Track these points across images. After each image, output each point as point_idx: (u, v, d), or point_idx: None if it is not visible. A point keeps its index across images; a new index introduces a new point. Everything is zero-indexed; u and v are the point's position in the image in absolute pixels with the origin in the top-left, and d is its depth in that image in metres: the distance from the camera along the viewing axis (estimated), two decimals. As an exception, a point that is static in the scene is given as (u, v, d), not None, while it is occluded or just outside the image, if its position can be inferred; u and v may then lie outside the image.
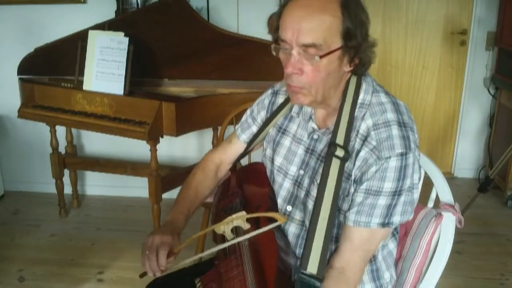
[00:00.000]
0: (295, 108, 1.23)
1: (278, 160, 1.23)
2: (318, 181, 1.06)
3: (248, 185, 1.30)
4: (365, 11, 1.05)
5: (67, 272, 2.40)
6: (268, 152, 1.28)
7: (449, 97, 3.48)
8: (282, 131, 1.25)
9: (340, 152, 1.03)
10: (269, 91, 1.33)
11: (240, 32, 2.82)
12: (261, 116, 1.31)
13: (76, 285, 2.30)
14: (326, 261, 1.00)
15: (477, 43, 3.28)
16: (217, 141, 2.82)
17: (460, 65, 3.39)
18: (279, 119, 1.26)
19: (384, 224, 1.03)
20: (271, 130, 1.28)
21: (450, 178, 3.51)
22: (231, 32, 2.55)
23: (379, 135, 1.02)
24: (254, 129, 1.32)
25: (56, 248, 2.65)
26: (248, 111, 1.36)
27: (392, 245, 1.21)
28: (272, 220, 1.09)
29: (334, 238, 1.12)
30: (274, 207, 1.21)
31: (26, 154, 3.29)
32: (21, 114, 2.64)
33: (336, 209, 1.02)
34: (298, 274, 0.97)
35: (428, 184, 1.35)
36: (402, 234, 1.29)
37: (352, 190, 1.06)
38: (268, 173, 1.29)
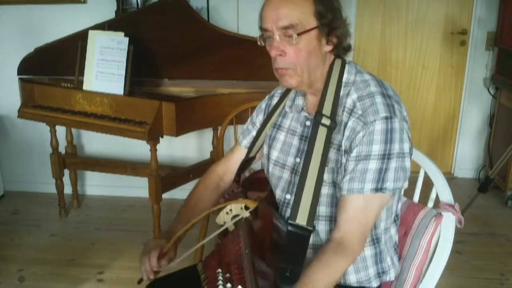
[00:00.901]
0: (289, 103, 1.28)
1: (274, 154, 1.27)
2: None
3: (251, 192, 1.32)
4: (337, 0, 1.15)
5: (67, 272, 2.40)
6: (265, 150, 1.31)
7: (449, 97, 3.48)
8: (277, 127, 1.29)
9: (326, 121, 1.10)
10: (266, 96, 1.39)
11: (240, 32, 2.82)
12: (260, 119, 1.36)
13: (76, 285, 2.30)
14: (315, 216, 1.05)
15: (477, 43, 3.28)
16: (217, 141, 2.82)
17: (460, 65, 3.39)
18: (275, 118, 1.31)
19: (377, 189, 1.05)
20: (268, 130, 1.31)
21: (450, 178, 3.51)
22: (231, 32, 2.55)
23: (364, 105, 1.09)
24: (254, 133, 1.36)
25: (56, 248, 2.65)
26: (248, 120, 1.42)
27: (393, 230, 1.23)
28: (272, 204, 1.14)
29: (334, 218, 1.14)
30: (273, 198, 1.24)
31: (26, 154, 3.30)
32: (21, 114, 2.64)
33: (323, 170, 1.08)
34: (287, 225, 1.03)
35: (428, 184, 1.36)
36: (402, 234, 1.29)
37: (344, 161, 1.10)
38: (265, 171, 1.32)
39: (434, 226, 1.22)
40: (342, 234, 1.06)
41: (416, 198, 1.40)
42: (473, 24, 3.27)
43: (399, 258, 1.28)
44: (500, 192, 3.16)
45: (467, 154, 3.51)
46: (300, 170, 1.10)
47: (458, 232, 1.22)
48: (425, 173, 1.37)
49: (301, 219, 1.03)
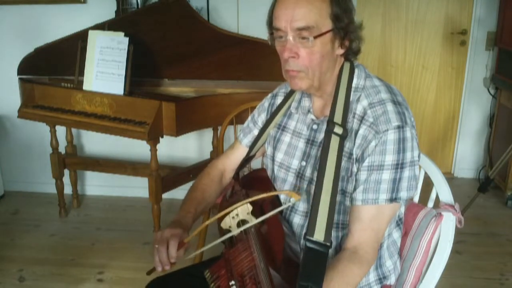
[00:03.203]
0: (294, 104, 1.26)
1: (279, 156, 1.25)
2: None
3: (253, 191, 1.31)
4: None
5: (67, 272, 2.40)
6: (269, 151, 1.30)
7: (449, 97, 3.48)
8: (282, 128, 1.28)
9: (338, 130, 1.07)
10: (269, 95, 1.36)
11: (240, 32, 2.82)
12: (262, 118, 1.34)
13: (76, 285, 2.30)
14: (332, 230, 1.02)
15: (477, 43, 3.28)
16: (217, 141, 2.82)
17: (460, 65, 3.39)
18: (279, 118, 1.29)
19: (392, 200, 1.05)
20: (272, 130, 1.30)
21: (450, 178, 3.51)
22: (231, 32, 2.55)
23: (375, 112, 1.07)
24: (255, 132, 1.34)
25: (56, 248, 2.65)
26: (249, 117, 1.39)
27: (396, 235, 1.23)
28: (277, 207, 1.11)
29: (341, 225, 1.13)
30: (277, 201, 1.22)
31: (26, 154, 3.30)
32: (21, 114, 2.64)
33: (338, 181, 1.04)
34: (305, 241, 0.99)
35: (428, 184, 1.35)
36: (402, 234, 1.29)
37: (355, 169, 1.08)
38: (269, 173, 1.30)
39: (434, 226, 1.22)
40: (356, 244, 1.05)
41: (416, 198, 1.40)
42: (473, 24, 3.27)
43: (399, 258, 1.28)
44: (500, 192, 3.16)
45: (467, 154, 3.51)
46: (316, 179, 1.06)
47: (458, 232, 1.22)
48: (425, 173, 1.37)
49: (319, 235, 0.99)
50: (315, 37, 1.04)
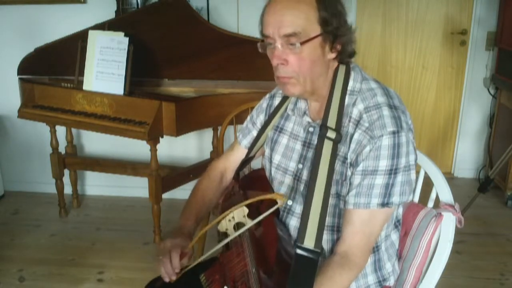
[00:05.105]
0: (291, 106, 1.25)
1: (277, 158, 1.25)
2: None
3: (252, 192, 1.31)
4: (341, 2, 1.09)
5: (67, 272, 2.40)
6: (267, 152, 1.30)
7: (449, 97, 3.48)
8: (279, 130, 1.27)
9: (331, 134, 1.07)
10: (267, 95, 1.36)
11: (240, 32, 2.82)
12: (260, 119, 1.34)
13: (76, 285, 2.30)
14: (322, 236, 1.02)
15: (477, 43, 3.28)
16: (217, 141, 2.82)
17: (460, 65, 3.39)
18: (276, 120, 1.29)
19: (383, 204, 1.04)
20: (270, 132, 1.30)
21: (450, 178, 3.51)
22: (231, 32, 2.55)
23: (370, 117, 1.06)
24: (254, 133, 1.34)
25: (56, 248, 2.65)
26: (248, 118, 1.39)
27: (394, 236, 1.22)
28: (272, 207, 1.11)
29: (336, 228, 1.13)
30: (274, 203, 1.21)
31: (26, 154, 3.30)
32: (21, 114, 2.64)
33: (330, 188, 1.04)
34: (295, 248, 0.99)
35: (428, 184, 1.35)
36: (402, 234, 1.29)
37: (349, 173, 1.08)
38: (267, 174, 1.31)
39: (434, 226, 1.22)
40: (347, 248, 1.05)
41: (416, 198, 1.40)
42: (473, 24, 3.27)
43: (399, 258, 1.28)
44: (500, 192, 3.16)
45: (467, 154, 3.51)
46: (307, 185, 1.06)
47: (458, 232, 1.22)
48: (425, 173, 1.37)
49: (309, 241, 0.99)
50: (302, 43, 1.03)
